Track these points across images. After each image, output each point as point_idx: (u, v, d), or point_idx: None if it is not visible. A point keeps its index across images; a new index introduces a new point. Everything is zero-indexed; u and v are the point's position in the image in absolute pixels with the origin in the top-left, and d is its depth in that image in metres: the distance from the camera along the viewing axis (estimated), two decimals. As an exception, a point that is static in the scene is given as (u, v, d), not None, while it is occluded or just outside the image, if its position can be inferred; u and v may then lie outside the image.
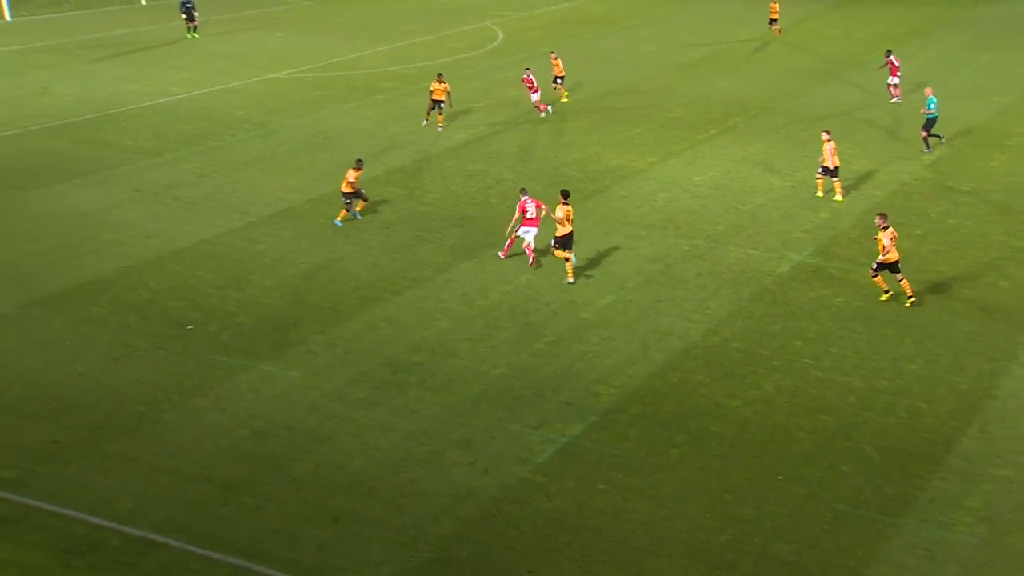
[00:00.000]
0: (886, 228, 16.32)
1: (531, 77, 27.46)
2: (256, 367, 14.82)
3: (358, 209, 20.31)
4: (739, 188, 22.07)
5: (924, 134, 23.98)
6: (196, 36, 39.23)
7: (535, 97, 27.45)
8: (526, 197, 18.06)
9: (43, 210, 20.84)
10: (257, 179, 22.88)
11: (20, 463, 12.56)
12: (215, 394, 14.09)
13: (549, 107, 27.58)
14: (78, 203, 21.23)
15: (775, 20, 38.88)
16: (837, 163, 20.81)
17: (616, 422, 13.46)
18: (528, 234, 17.96)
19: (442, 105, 26.01)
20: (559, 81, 28.82)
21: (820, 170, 21.13)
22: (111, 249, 18.88)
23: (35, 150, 24.83)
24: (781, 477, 12.29)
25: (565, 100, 28.97)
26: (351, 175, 19.92)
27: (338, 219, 20.03)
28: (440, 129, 26.14)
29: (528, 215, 17.97)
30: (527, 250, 18.03)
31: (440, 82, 26.01)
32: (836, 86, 30.91)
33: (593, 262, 18.41)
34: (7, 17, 42.87)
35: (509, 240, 18.20)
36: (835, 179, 21.03)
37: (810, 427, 13.33)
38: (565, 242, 17.30)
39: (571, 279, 17.37)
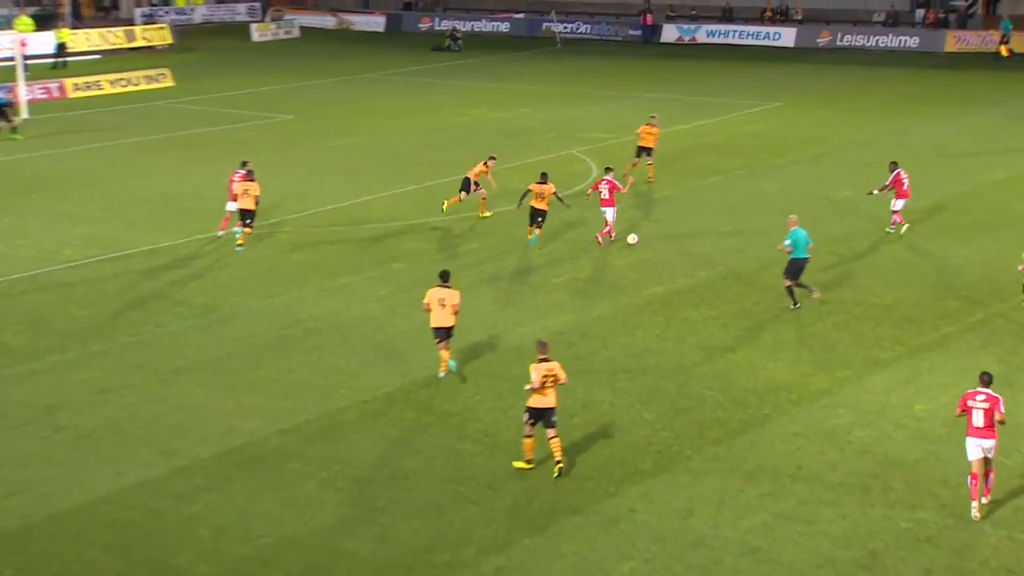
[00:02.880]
0: (543, 361, 20.47)
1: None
2: None
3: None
4: (994, 422, 22.27)
5: (788, 283, 27.95)
6: (18, 137, 47.58)
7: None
8: (607, 177, 32.42)
9: None
10: (195, 396, 23.84)
11: None
12: None
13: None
14: (-96, 434, 22.28)
15: (649, 150, 39.25)
16: None
17: None
18: (607, 213, 32.56)
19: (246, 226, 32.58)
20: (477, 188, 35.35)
21: None
22: (-49, 511, 19.59)
23: None
24: None
25: (443, 210, 35.50)
26: None
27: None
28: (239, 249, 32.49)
29: (602, 196, 32.30)
30: (607, 231, 32.60)
31: (246, 184, 32.67)
32: None
33: (748, 544, 18.57)
34: None
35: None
36: None
37: None
38: (443, 333, 24.27)
39: (442, 372, 24.47)
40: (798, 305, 28.19)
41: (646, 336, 26.69)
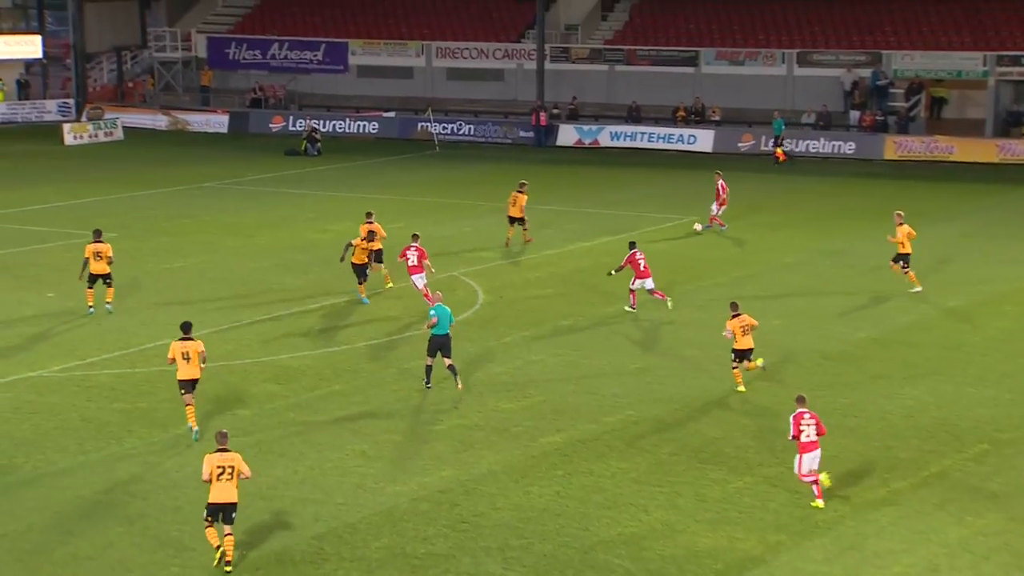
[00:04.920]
0: (221, 451, 23.32)
1: None
2: None
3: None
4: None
5: (429, 361, 32.67)
6: None
7: None
8: (415, 244, 39.56)
9: None
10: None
11: None
12: None
13: None
14: None
15: (520, 220, 48.99)
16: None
17: None
18: (416, 281, 39.68)
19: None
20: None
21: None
22: None
23: None
24: None
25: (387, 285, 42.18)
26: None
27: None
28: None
29: (409, 262, 39.43)
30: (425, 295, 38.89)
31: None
32: None
33: None
34: None
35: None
36: None
37: None
38: (189, 385, 29.35)
39: (195, 427, 29.30)
40: (431, 386, 32.51)
41: (544, 494, 26.54)
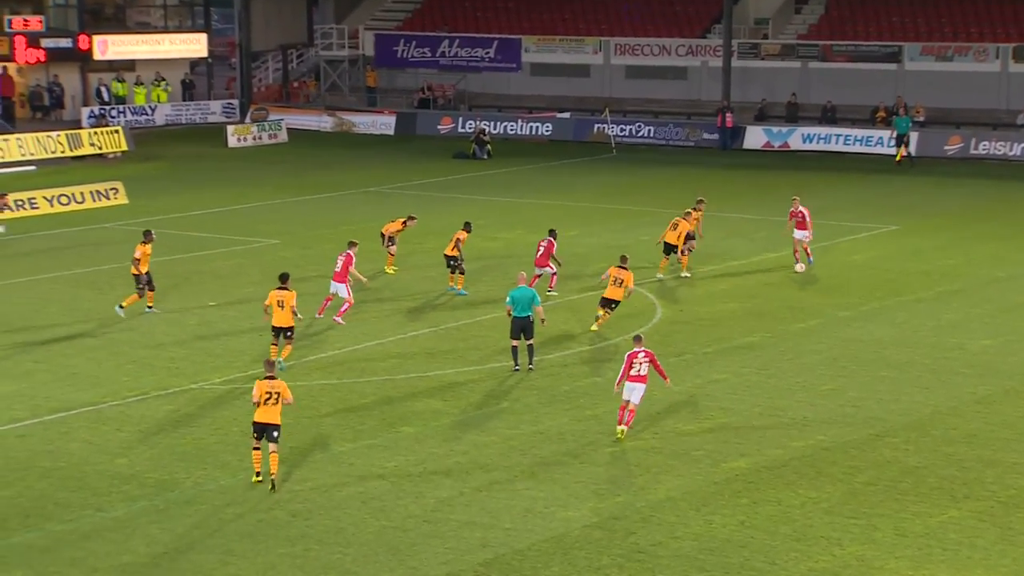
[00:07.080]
0: (268, 379, 27.83)
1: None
2: None
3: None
4: None
5: (513, 343, 35.39)
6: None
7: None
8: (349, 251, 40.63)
9: None
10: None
11: None
12: None
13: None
14: None
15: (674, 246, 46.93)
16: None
17: None
18: (342, 289, 40.04)
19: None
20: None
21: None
22: None
23: None
24: None
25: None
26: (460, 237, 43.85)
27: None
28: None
29: (336, 268, 40.36)
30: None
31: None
32: None
33: None
34: None
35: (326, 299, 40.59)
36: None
37: None
38: (280, 332, 35.21)
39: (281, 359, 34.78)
40: (519, 368, 35.26)
41: (727, 524, 26.46)
